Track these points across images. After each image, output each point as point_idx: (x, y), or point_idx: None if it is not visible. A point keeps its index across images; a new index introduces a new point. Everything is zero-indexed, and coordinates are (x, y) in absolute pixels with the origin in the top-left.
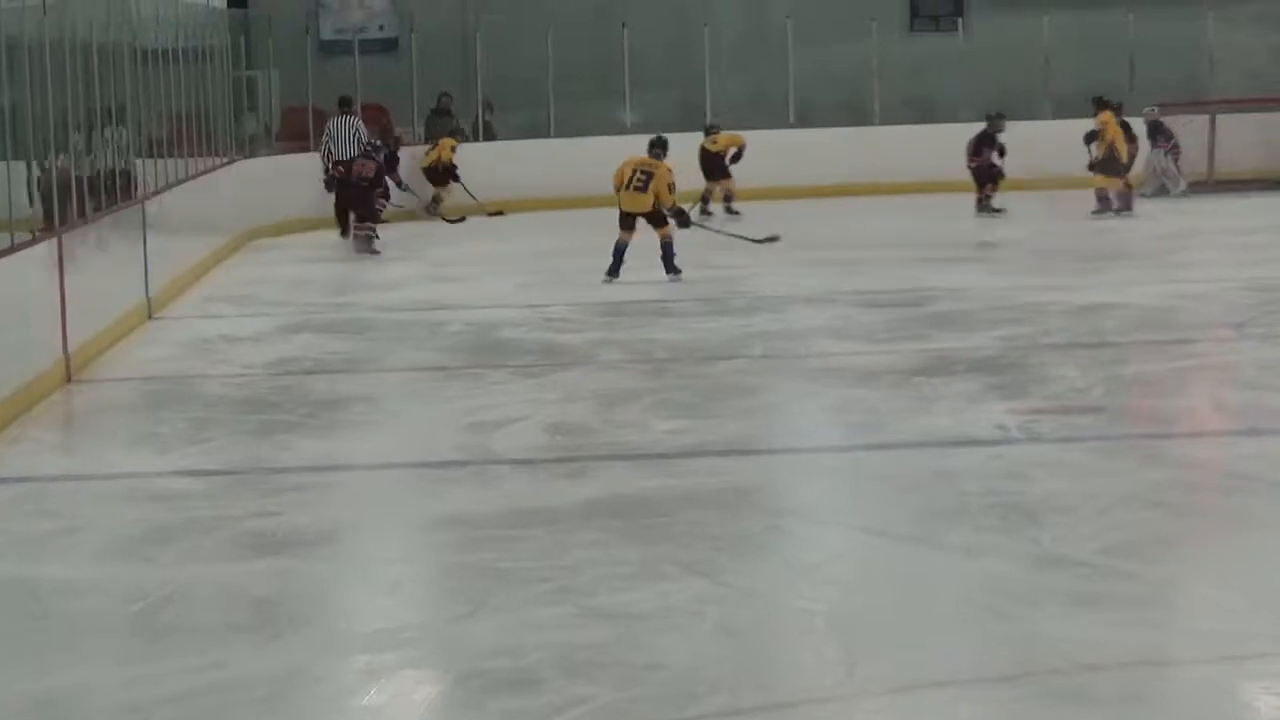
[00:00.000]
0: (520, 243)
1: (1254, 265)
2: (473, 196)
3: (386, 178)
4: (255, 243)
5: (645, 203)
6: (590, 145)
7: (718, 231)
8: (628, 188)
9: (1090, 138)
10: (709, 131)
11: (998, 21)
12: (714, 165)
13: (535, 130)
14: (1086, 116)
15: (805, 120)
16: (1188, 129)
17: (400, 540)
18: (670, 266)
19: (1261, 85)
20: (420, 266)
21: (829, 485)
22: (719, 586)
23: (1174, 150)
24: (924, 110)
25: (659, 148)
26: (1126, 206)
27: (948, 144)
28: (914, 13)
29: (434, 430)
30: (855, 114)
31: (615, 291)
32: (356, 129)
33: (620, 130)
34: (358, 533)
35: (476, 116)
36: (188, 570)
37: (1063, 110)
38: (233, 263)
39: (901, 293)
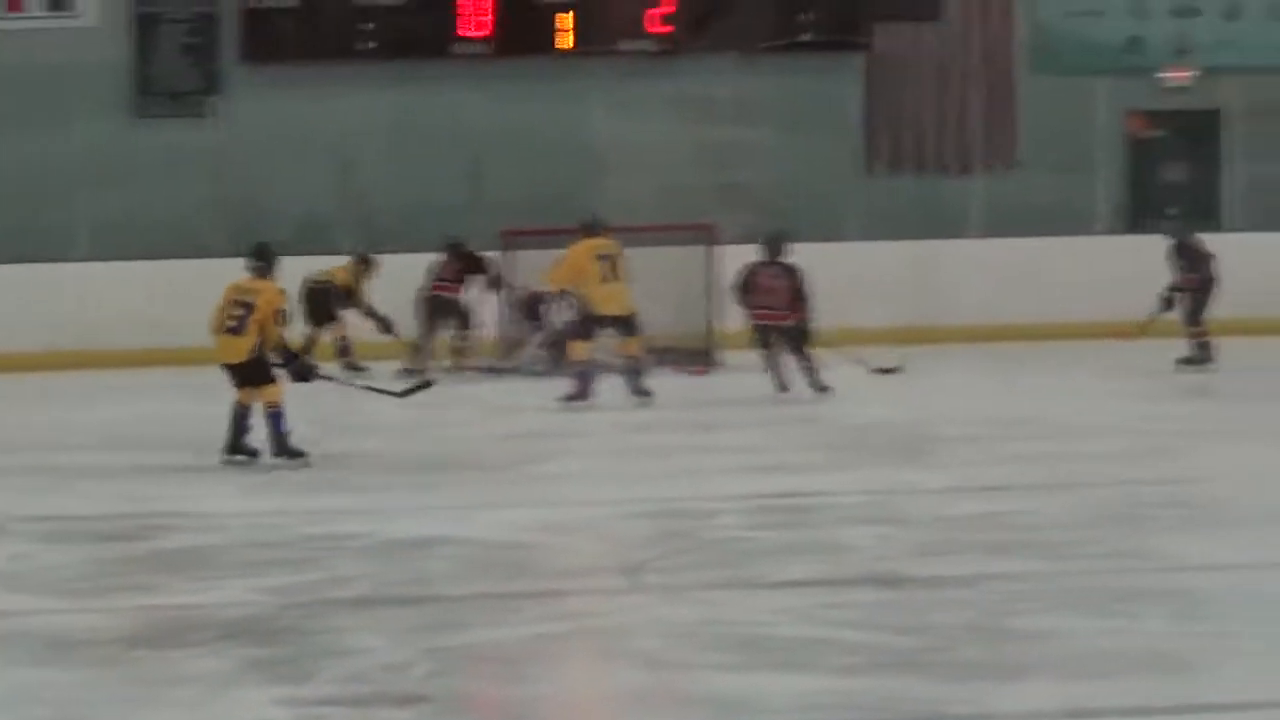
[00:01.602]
0: None
1: (655, 480)
2: None
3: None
4: None
5: (242, 348)
6: None
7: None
8: (223, 329)
9: None
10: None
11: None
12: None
13: None
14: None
15: None
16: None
17: None
18: (282, 446)
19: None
20: None
21: None
22: None
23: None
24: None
25: (262, 260)
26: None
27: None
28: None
29: None
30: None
31: None
32: None
33: None
34: None
35: None
36: None
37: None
38: None
39: (113, 519)
